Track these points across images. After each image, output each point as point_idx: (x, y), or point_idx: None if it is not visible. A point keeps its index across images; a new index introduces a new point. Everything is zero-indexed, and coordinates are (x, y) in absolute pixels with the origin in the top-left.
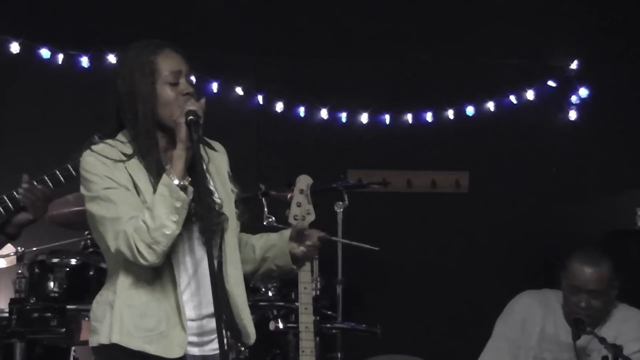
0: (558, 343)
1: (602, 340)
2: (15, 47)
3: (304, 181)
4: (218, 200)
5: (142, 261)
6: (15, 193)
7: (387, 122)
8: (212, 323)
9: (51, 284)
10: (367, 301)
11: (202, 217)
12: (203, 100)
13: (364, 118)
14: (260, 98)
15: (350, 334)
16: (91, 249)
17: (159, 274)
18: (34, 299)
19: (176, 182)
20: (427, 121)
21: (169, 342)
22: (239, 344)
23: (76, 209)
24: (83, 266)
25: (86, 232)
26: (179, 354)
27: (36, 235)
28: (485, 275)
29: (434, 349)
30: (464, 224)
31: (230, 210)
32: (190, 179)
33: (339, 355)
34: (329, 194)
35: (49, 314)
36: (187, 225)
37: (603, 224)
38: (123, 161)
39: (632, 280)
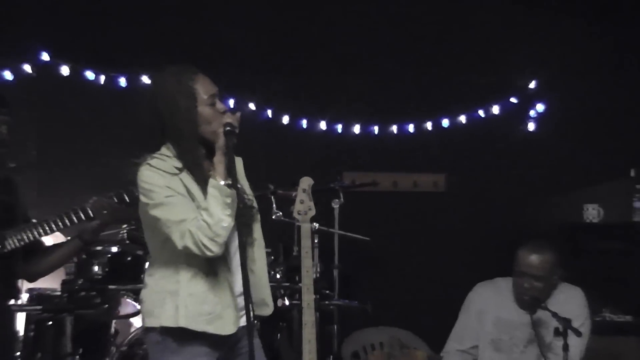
0: (512, 324)
1: (554, 314)
2: (65, 70)
3: (306, 182)
4: (248, 196)
5: (207, 253)
6: (86, 205)
7: (376, 132)
8: (243, 300)
9: (95, 268)
10: (359, 283)
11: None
12: (238, 114)
13: (357, 129)
14: (269, 112)
15: (345, 309)
16: (127, 241)
17: (212, 265)
18: (81, 280)
19: (222, 182)
20: (409, 131)
21: (224, 321)
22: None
23: None
24: (121, 253)
25: (123, 226)
26: (232, 331)
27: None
28: (459, 259)
29: (415, 322)
30: (441, 217)
31: (253, 198)
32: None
33: (335, 327)
34: (327, 193)
35: (93, 293)
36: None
37: (556, 218)
38: (177, 174)
39: (580, 266)
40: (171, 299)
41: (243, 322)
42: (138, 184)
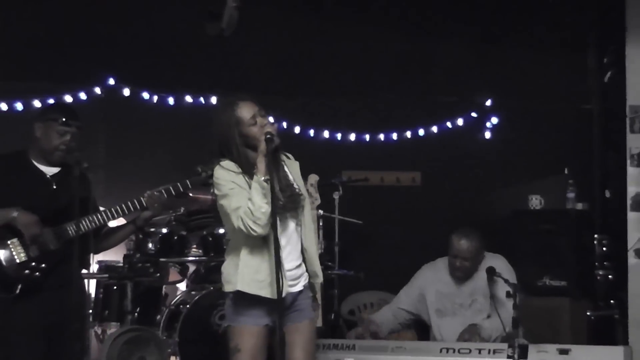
0: (450, 294)
1: (506, 281)
2: (126, 92)
3: (313, 178)
4: (296, 187)
5: (252, 233)
6: (142, 198)
7: (367, 139)
8: (298, 271)
9: (150, 245)
10: (354, 256)
11: (284, 204)
12: (276, 125)
13: (352, 137)
14: (284, 124)
15: (343, 277)
16: (174, 222)
17: (266, 244)
18: (139, 254)
19: (262, 178)
20: (393, 139)
21: (274, 288)
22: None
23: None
24: (170, 233)
25: (170, 212)
26: (281, 295)
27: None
28: (432, 238)
29: (397, 286)
30: (418, 206)
31: (304, 192)
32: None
33: (336, 291)
34: (330, 187)
35: (148, 264)
36: (280, 210)
37: (507, 206)
38: (240, 173)
39: (526, 244)
40: (235, 270)
41: (298, 287)
42: (213, 180)
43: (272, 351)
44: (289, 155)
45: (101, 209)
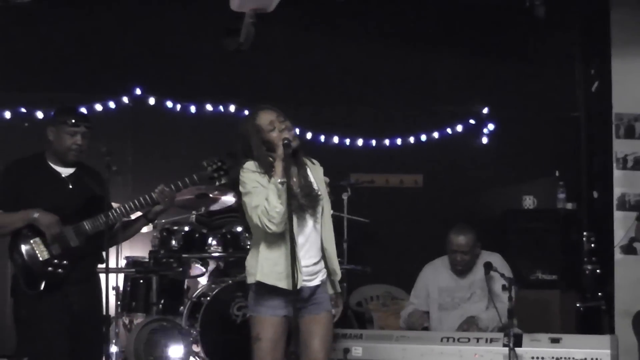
0: (451, 289)
1: (502, 275)
2: (152, 101)
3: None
4: (316, 188)
5: (268, 230)
6: (152, 193)
7: (374, 144)
8: (316, 267)
9: (173, 242)
10: (361, 252)
11: (302, 204)
12: (294, 131)
13: (360, 142)
14: (297, 130)
15: (351, 272)
16: (196, 221)
17: (284, 240)
18: (163, 250)
19: (279, 180)
20: (397, 144)
21: (291, 280)
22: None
23: (186, 197)
24: (192, 231)
25: (192, 211)
26: (298, 287)
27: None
28: (433, 235)
29: (402, 280)
30: (420, 206)
31: (324, 195)
32: (284, 179)
33: (345, 285)
34: (339, 188)
35: (172, 260)
36: (298, 210)
37: (502, 205)
38: (262, 173)
39: (520, 240)
40: (255, 262)
41: (315, 282)
42: (239, 178)
43: (291, 341)
44: (314, 161)
45: (115, 205)
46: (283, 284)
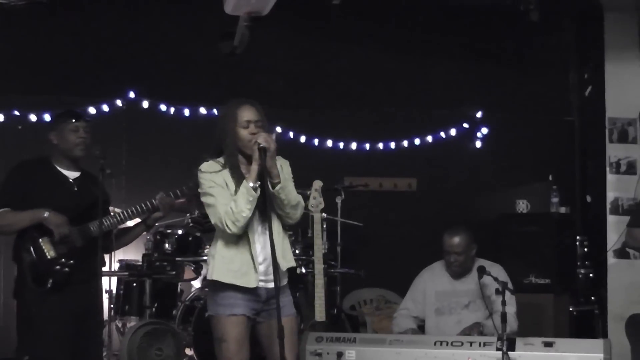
0: (448, 293)
1: (495, 279)
2: (145, 104)
3: (317, 184)
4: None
5: (228, 231)
6: (153, 200)
7: (367, 148)
8: (270, 268)
9: (166, 245)
10: (355, 256)
11: (262, 204)
12: (272, 134)
13: (354, 146)
14: (291, 134)
15: (345, 275)
16: (191, 224)
17: (240, 238)
18: (156, 254)
19: (251, 184)
20: (391, 148)
21: (249, 278)
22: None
23: (181, 200)
24: (185, 234)
25: (187, 215)
26: (254, 285)
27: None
28: (427, 239)
29: (395, 284)
30: (414, 209)
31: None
32: (259, 182)
33: (338, 288)
34: (332, 191)
35: (165, 263)
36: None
37: (496, 209)
38: (220, 171)
39: (513, 244)
40: (212, 261)
41: (271, 284)
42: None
43: (254, 343)
44: (281, 158)
45: (117, 210)
46: (240, 281)
